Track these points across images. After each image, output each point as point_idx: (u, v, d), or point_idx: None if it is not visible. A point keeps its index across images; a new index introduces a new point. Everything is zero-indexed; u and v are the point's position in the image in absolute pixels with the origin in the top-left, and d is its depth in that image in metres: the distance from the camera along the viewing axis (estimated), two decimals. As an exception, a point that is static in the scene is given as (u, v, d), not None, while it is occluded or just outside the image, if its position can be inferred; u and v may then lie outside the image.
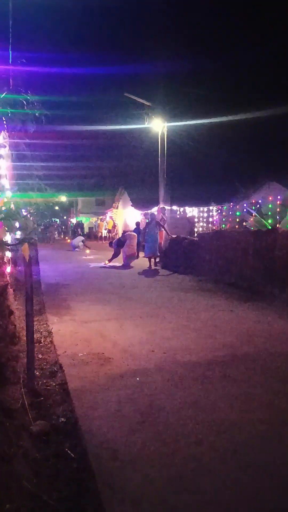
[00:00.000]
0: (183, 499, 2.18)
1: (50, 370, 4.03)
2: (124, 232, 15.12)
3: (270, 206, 13.90)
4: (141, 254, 15.57)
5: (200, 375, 3.87)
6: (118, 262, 13.64)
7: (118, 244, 13.80)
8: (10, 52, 5.89)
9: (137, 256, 14.09)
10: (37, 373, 3.85)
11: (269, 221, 12.54)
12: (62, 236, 29.68)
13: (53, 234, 29.37)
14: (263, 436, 2.80)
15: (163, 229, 13.92)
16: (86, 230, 35.03)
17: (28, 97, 4.52)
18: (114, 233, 30.73)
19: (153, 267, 12.85)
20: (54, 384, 3.72)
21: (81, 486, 2.31)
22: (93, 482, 2.31)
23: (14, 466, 2.29)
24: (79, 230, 29.56)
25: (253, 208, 13.53)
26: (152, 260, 13.08)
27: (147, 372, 3.93)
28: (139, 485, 2.28)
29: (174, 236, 13.65)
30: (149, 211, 18.50)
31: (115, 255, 13.68)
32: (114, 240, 15.36)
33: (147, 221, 16.63)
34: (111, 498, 2.16)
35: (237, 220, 14.24)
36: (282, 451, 2.62)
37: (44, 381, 3.78)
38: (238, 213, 14.81)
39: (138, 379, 3.75)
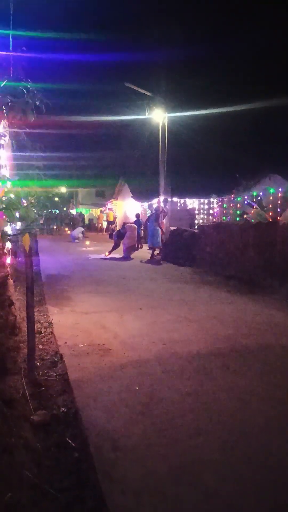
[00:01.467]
0: (183, 490, 2.19)
1: (51, 361, 4.04)
2: (124, 223, 15.07)
3: (271, 198, 13.83)
4: (144, 246, 15.61)
5: (200, 366, 3.87)
6: (119, 253, 13.62)
7: (118, 235, 13.78)
8: (11, 40, 5.80)
9: (137, 248, 14.08)
10: (38, 364, 3.86)
11: (270, 213, 12.49)
12: (62, 227, 29.42)
13: (58, 226, 29.09)
14: (262, 428, 2.81)
15: (163, 221, 13.97)
16: (86, 221, 34.92)
17: (29, 86, 4.46)
18: (114, 225, 30.69)
19: (153, 257, 12.95)
20: (54, 374, 3.72)
21: (81, 477, 2.32)
22: (94, 472, 2.32)
23: (15, 456, 2.30)
24: (80, 221, 29.46)
25: (254, 200, 13.47)
26: (151, 251, 13.15)
27: (147, 363, 3.94)
28: (139, 476, 2.29)
29: (172, 228, 13.66)
30: (153, 203, 18.46)
31: (115, 247, 13.67)
32: (114, 232, 15.32)
33: (149, 213, 16.66)
34: (111, 489, 2.17)
35: (238, 212, 14.18)
36: (282, 443, 2.63)
37: (45, 371, 3.79)
38: (238, 205, 14.76)
39: (138, 370, 3.76)
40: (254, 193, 13.94)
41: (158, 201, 15.82)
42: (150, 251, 13.46)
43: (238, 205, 14.85)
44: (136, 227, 14.36)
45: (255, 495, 2.17)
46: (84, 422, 2.83)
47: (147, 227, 14.74)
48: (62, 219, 29.52)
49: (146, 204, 21.27)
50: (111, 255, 13.49)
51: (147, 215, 17.91)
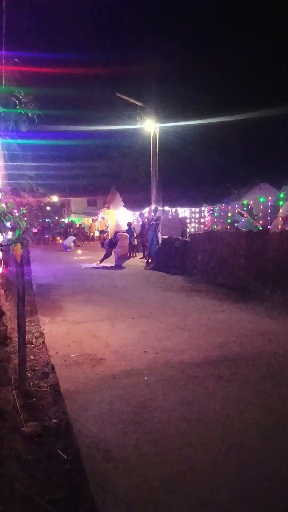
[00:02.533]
0: (175, 500, 2.19)
1: (42, 371, 4.01)
2: (116, 232, 15.10)
3: (261, 207, 13.98)
4: (138, 255, 15.61)
5: (192, 375, 3.88)
6: (110, 262, 13.63)
7: (110, 244, 13.80)
8: (3, 50, 5.85)
9: (129, 257, 14.10)
10: (29, 374, 3.83)
11: (260, 222, 12.61)
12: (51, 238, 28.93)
13: (53, 237, 28.58)
14: (255, 436, 2.82)
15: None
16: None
17: (21, 97, 4.50)
18: (106, 234, 30.69)
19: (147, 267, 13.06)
20: (46, 385, 3.70)
21: (73, 488, 2.30)
22: (86, 483, 2.30)
23: (6, 468, 2.28)
24: (71, 230, 29.39)
25: (244, 209, 13.60)
26: (145, 260, 13.23)
27: (139, 372, 3.93)
28: (132, 486, 2.28)
29: (164, 236, 13.78)
30: (144, 212, 18.55)
31: (106, 256, 13.68)
32: (106, 241, 15.35)
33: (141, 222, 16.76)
34: (104, 499, 2.16)
35: (229, 221, 14.30)
36: (274, 452, 2.64)
37: (36, 382, 3.76)
38: (229, 214, 14.89)
39: (130, 379, 3.75)
40: (245, 202, 14.09)
41: (149, 210, 15.91)
42: (144, 260, 13.50)
43: (229, 214, 14.99)
44: (128, 236, 14.42)
45: (248, 504, 2.17)
46: (76, 433, 2.81)
47: (146, 235, 14.96)
48: (54, 229, 29.23)
49: (137, 214, 21.35)
50: (103, 264, 13.48)
51: (140, 224, 18.00)
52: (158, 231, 13.84)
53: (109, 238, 17.41)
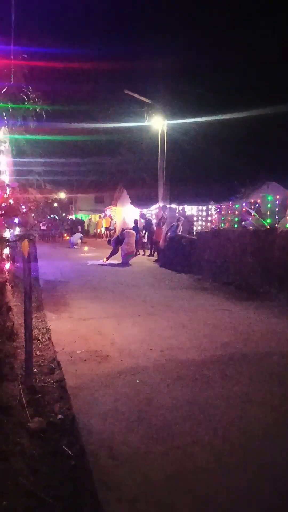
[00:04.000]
0: (179, 498, 2.18)
1: (48, 367, 4.02)
2: (122, 229, 15.08)
3: (269, 206, 13.90)
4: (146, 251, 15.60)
5: (197, 373, 3.87)
6: (117, 260, 13.63)
7: (117, 241, 13.80)
8: (12, 47, 5.85)
9: (136, 254, 14.08)
10: (35, 370, 3.84)
11: (268, 220, 12.54)
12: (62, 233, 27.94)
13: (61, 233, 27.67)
14: (260, 436, 2.80)
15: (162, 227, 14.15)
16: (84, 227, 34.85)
17: (29, 92, 4.50)
18: (113, 231, 30.69)
19: None
20: (51, 381, 3.71)
21: (78, 484, 2.31)
22: (90, 480, 2.31)
23: (11, 463, 2.29)
24: (79, 227, 29.32)
25: (252, 207, 13.53)
26: (150, 257, 13.22)
27: (144, 370, 3.93)
28: (136, 484, 2.28)
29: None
30: (151, 209, 18.54)
31: (113, 253, 13.67)
32: (112, 238, 15.34)
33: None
34: (107, 497, 2.16)
35: (236, 219, 14.24)
36: (279, 451, 2.63)
37: (42, 378, 3.77)
38: (237, 213, 14.83)
39: (135, 377, 3.75)
40: (252, 201, 14.02)
41: (159, 208, 15.86)
42: (149, 258, 13.48)
43: (236, 212, 14.91)
44: (135, 233, 14.38)
45: (252, 503, 2.16)
46: (81, 429, 2.82)
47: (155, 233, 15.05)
48: (61, 225, 28.85)
49: (141, 212, 21.37)
50: (109, 261, 13.49)
51: (144, 223, 18.01)
52: (179, 231, 13.79)
53: (116, 235, 17.39)
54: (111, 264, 13.14)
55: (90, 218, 38.19)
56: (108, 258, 13.60)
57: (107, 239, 18.37)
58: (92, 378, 3.71)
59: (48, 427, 2.89)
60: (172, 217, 17.36)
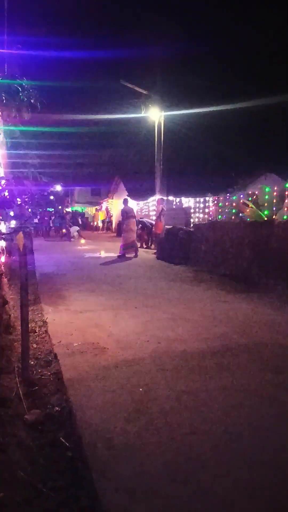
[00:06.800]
0: (177, 488, 2.19)
1: (45, 360, 4.03)
2: (122, 218, 14.44)
3: (266, 197, 13.85)
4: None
5: (194, 365, 3.88)
6: (114, 252, 13.62)
7: (120, 230, 13.60)
8: (6, 37, 5.76)
9: (136, 246, 13.66)
10: (32, 363, 3.84)
11: (265, 212, 12.52)
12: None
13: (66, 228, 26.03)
14: (257, 426, 2.82)
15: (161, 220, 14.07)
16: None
17: (24, 83, 4.44)
18: (109, 224, 30.59)
19: None
20: (48, 373, 3.72)
21: (75, 475, 2.32)
22: (88, 471, 2.32)
23: (8, 455, 2.30)
24: (78, 219, 28.97)
25: (249, 199, 13.50)
26: (148, 250, 13.16)
27: (142, 362, 3.94)
28: (134, 474, 2.29)
29: (168, 226, 13.69)
30: (148, 201, 18.39)
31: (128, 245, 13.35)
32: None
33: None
34: (105, 487, 2.17)
35: (233, 211, 14.21)
36: (276, 442, 2.64)
37: (39, 370, 3.78)
38: (234, 204, 14.79)
39: (133, 368, 3.76)
40: (250, 192, 13.97)
41: (158, 201, 15.73)
42: (148, 250, 13.39)
43: (234, 204, 14.87)
44: (135, 221, 14.06)
45: (250, 492, 2.18)
46: (78, 421, 2.83)
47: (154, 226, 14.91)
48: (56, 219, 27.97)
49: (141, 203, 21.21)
50: (107, 254, 13.45)
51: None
52: (160, 221, 13.73)
53: (113, 227, 17.26)
54: (108, 257, 13.13)
55: (86, 211, 38.10)
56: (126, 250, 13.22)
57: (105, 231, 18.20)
58: (89, 370, 3.72)
59: (45, 419, 2.90)
60: (169, 209, 17.33)
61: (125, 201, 14.52)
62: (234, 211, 13.72)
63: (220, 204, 16.07)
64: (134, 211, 14.70)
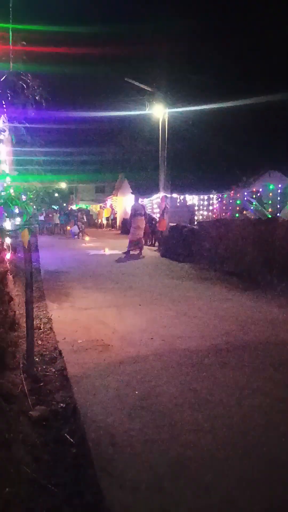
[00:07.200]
0: (181, 485, 2.20)
1: (50, 356, 4.04)
2: (131, 214, 14.33)
3: (270, 195, 13.79)
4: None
5: (198, 362, 3.88)
6: (118, 249, 13.62)
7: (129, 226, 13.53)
8: (11, 33, 5.75)
9: (142, 244, 13.60)
10: (37, 359, 3.86)
11: (269, 209, 12.47)
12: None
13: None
14: (261, 424, 2.82)
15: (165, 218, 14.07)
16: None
17: (28, 80, 4.44)
18: (113, 220, 30.59)
19: None
20: (53, 370, 3.73)
21: (80, 472, 2.33)
22: (92, 467, 2.33)
23: (13, 451, 2.31)
24: (84, 217, 28.97)
25: (254, 196, 13.44)
26: (153, 248, 13.13)
27: (146, 359, 3.94)
28: (138, 471, 2.30)
29: (172, 224, 13.65)
30: (152, 199, 18.35)
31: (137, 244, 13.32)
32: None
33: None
34: (109, 484, 2.18)
35: (238, 208, 14.16)
36: (280, 439, 2.64)
37: (44, 367, 3.80)
38: (238, 202, 14.74)
39: (137, 366, 3.77)
40: (254, 189, 13.92)
41: (162, 198, 15.69)
42: (152, 248, 13.37)
43: (238, 201, 14.82)
44: (143, 218, 13.97)
45: (253, 490, 2.18)
46: (83, 417, 2.84)
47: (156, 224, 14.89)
48: (61, 216, 27.92)
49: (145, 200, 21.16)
50: (111, 251, 13.45)
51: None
52: (163, 218, 13.72)
53: (117, 225, 17.26)
54: (113, 254, 13.13)
55: (91, 208, 38.13)
56: (138, 250, 13.12)
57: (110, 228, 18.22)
58: (94, 367, 3.73)
59: (50, 416, 2.91)
60: (173, 207, 17.31)
61: (136, 198, 14.54)
62: (238, 208, 13.65)
63: (224, 201, 15.98)
64: (144, 208, 14.58)
